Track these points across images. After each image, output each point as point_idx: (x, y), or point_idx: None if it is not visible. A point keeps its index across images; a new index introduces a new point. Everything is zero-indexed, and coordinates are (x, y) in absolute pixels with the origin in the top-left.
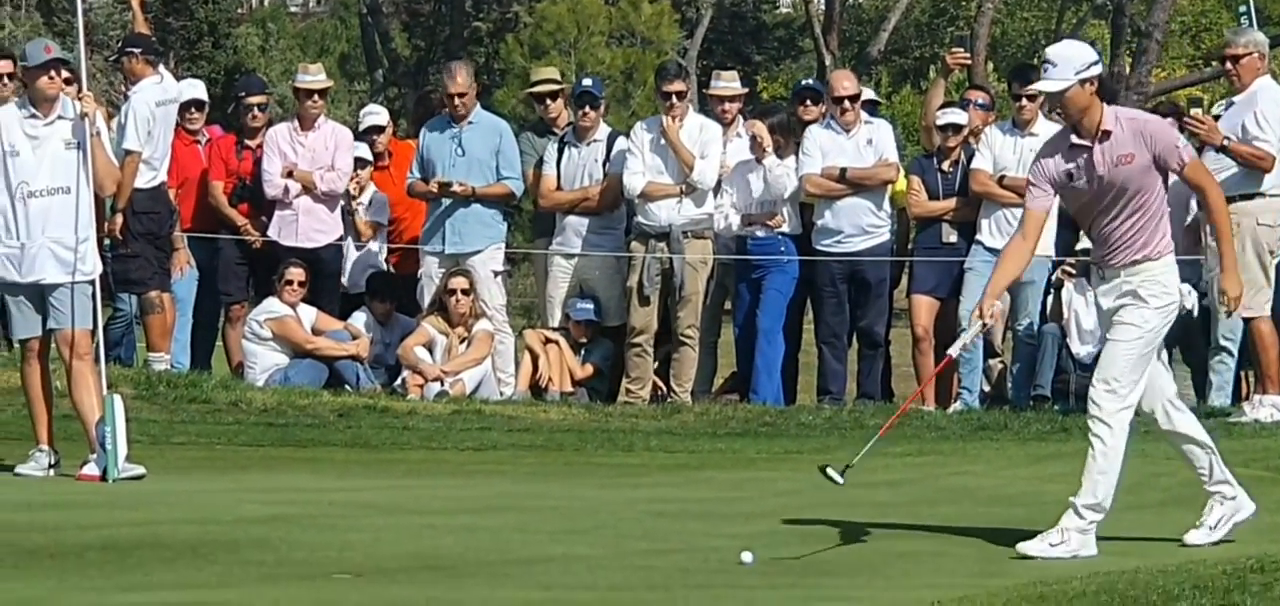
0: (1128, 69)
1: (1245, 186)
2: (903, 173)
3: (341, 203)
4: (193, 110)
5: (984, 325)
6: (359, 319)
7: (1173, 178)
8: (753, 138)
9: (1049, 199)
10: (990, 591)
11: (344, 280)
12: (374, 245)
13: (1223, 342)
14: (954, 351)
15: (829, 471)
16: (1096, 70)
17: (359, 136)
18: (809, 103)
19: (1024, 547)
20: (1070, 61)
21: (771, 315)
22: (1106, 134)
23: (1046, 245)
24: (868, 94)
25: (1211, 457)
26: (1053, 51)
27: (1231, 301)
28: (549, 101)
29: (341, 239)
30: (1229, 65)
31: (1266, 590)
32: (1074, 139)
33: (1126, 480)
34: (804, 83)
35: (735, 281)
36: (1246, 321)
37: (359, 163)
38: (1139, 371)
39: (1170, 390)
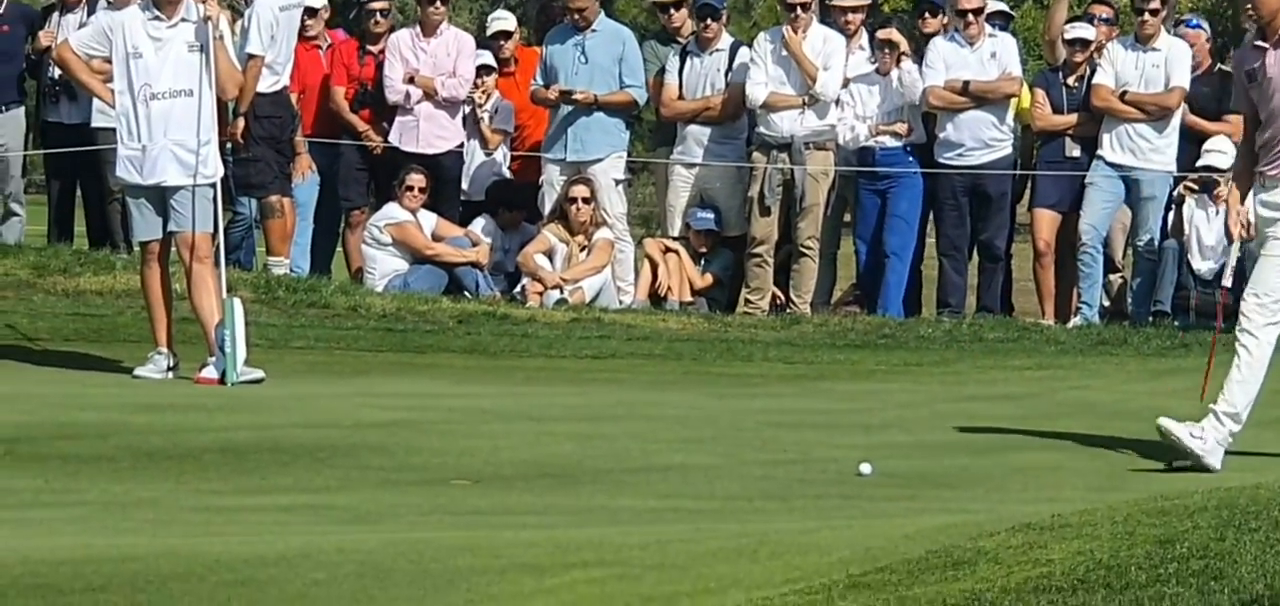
0: None
1: None
2: (1026, 87)
3: (465, 109)
4: (307, 18)
5: (1243, 238)
6: (479, 225)
7: None
8: (885, 43)
9: (1248, 100)
10: (1110, 505)
11: (465, 186)
12: (498, 154)
13: None
14: (1228, 280)
15: None
16: None
17: (485, 41)
18: (927, 15)
19: (1164, 422)
20: None
21: (900, 237)
22: None
23: (1168, 160)
24: (997, 5)
25: None
26: None
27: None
28: (672, 11)
29: (462, 146)
30: None
31: None
32: (1256, 42)
33: None
34: None
35: (857, 192)
36: None
37: (484, 70)
38: None
39: None
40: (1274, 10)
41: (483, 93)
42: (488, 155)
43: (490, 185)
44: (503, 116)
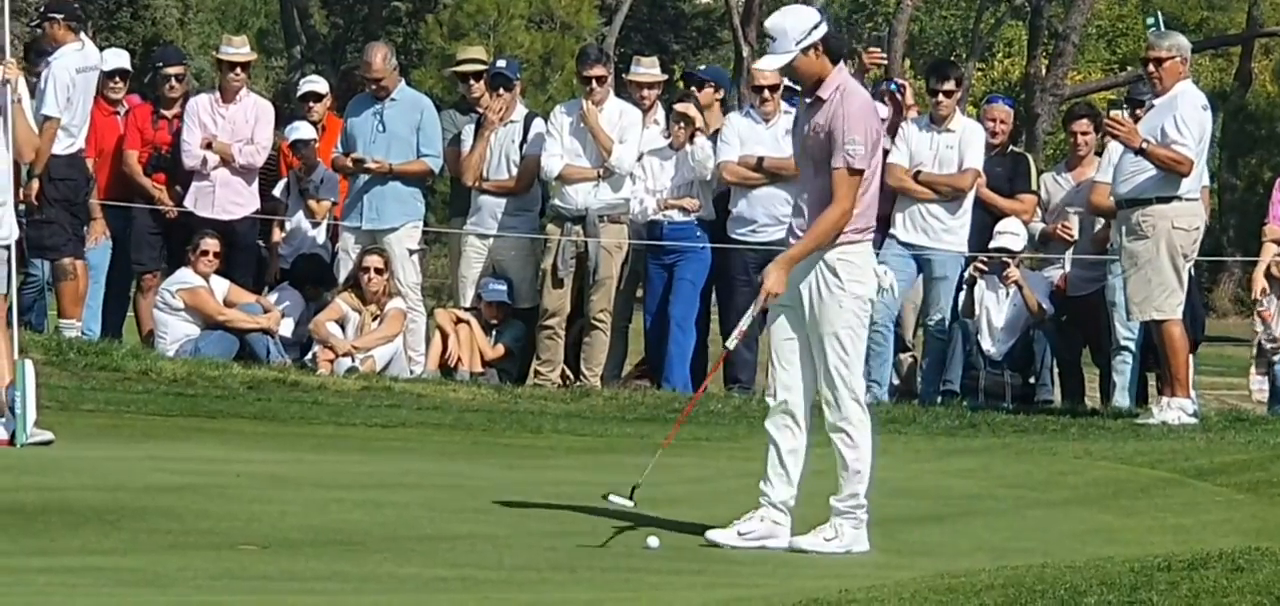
0: (1044, 70)
1: (1163, 190)
2: None
3: (284, 181)
4: (116, 79)
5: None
6: (288, 294)
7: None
8: (681, 117)
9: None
10: (898, 582)
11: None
12: (322, 227)
13: (1123, 343)
14: (731, 343)
15: (613, 498)
16: (818, 35)
17: (297, 102)
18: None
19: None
20: (788, 34)
21: (685, 305)
22: (820, 101)
23: (960, 241)
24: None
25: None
26: (772, 24)
27: (765, 293)
28: (473, 81)
29: (257, 211)
30: (1151, 68)
31: (1172, 588)
32: (807, 99)
33: (1035, 477)
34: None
35: (646, 266)
36: (1157, 324)
37: (301, 143)
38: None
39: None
40: (812, 73)
41: (304, 165)
42: (314, 226)
43: (295, 258)
44: (329, 186)
